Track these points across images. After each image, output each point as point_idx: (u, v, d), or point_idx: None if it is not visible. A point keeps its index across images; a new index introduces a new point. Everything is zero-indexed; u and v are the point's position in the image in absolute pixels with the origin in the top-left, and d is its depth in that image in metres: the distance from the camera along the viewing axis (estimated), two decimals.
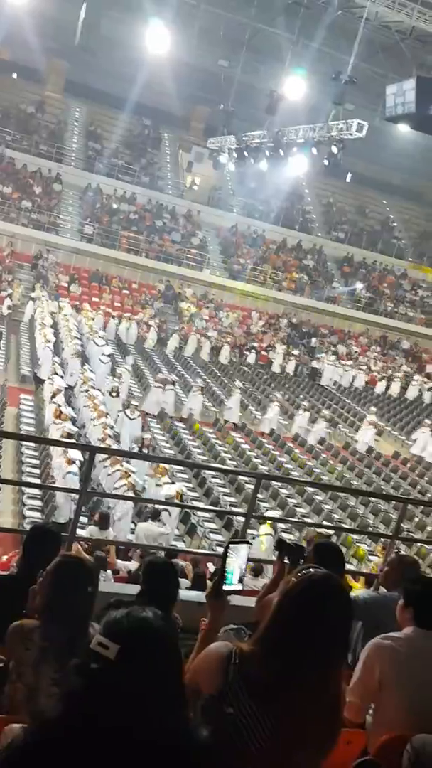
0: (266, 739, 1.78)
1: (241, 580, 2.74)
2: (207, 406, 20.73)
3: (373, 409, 23.86)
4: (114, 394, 17.27)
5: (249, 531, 5.19)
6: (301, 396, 24.72)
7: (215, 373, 25.12)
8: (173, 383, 20.08)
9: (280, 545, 3.68)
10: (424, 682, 2.78)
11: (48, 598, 2.66)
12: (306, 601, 1.82)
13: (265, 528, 10.79)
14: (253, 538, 10.00)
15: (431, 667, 2.82)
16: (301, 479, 15.60)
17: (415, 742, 2.59)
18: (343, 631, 1.85)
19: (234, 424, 19.88)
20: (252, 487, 13.28)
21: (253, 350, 28.40)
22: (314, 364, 28.89)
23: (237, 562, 2.69)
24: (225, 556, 2.65)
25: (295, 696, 1.77)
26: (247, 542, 2.82)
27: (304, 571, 1.88)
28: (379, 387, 28.43)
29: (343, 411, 24.42)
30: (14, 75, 32.65)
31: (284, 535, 11.25)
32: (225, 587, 2.64)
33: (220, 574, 2.63)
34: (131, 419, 16.09)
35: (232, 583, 2.68)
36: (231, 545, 2.67)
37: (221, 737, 1.76)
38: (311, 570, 1.89)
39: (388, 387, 28.56)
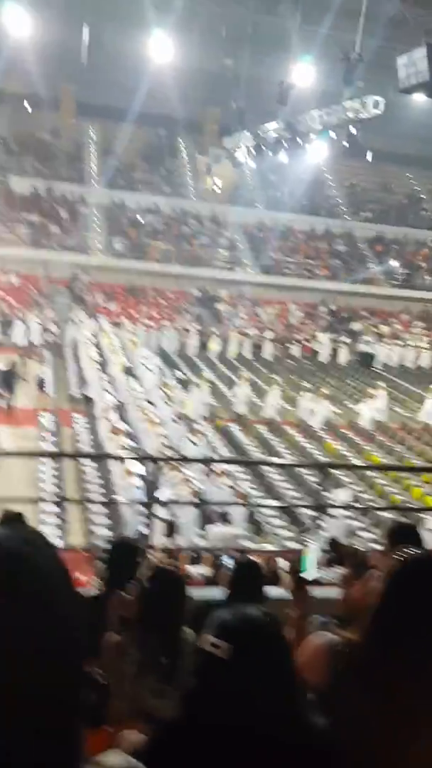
0: (383, 731, 1.74)
1: (316, 568, 2.75)
2: (254, 402, 20.70)
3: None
4: (179, 421, 16.55)
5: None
6: (349, 381, 24.40)
7: (260, 369, 25.04)
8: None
9: (332, 545, 3.67)
10: None
11: (143, 609, 2.69)
12: (414, 582, 1.78)
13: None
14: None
15: None
16: (363, 464, 15.44)
17: None
18: None
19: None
20: (315, 479, 13.23)
21: (296, 342, 28.25)
22: (364, 348, 28.49)
23: (313, 551, 2.71)
24: (302, 548, 2.66)
25: (413, 683, 1.74)
26: (319, 530, 2.82)
27: (403, 553, 1.84)
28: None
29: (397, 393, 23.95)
30: (27, 106, 33.26)
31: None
32: (303, 575, 2.65)
33: (299, 566, 2.64)
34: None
35: (307, 571, 2.69)
36: (303, 535, 2.68)
37: (336, 731, 1.75)
38: (411, 551, 1.85)
39: None
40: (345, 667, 1.80)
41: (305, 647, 1.91)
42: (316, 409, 19.65)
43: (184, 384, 21.05)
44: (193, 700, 1.37)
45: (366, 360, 27.88)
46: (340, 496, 12.58)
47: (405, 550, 1.83)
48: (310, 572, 2.73)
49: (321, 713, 1.83)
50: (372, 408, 19.82)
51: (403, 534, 3.46)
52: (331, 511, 10.66)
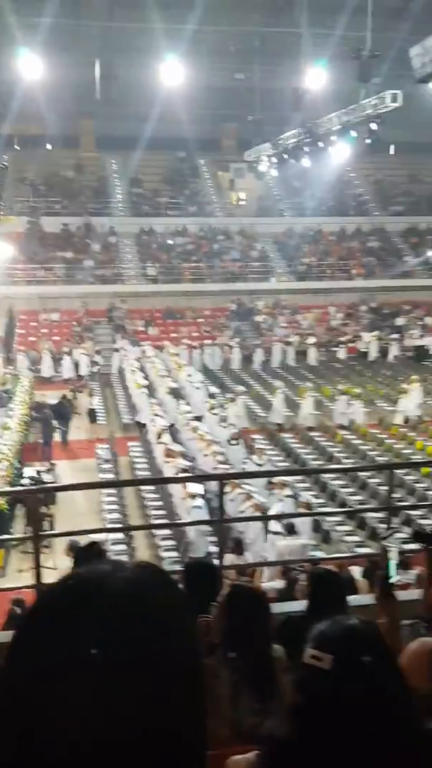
0: None
1: (396, 572, 2.70)
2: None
3: None
4: (234, 442, 16.16)
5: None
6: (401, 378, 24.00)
7: (306, 376, 24.90)
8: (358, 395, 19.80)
9: (417, 537, 3.56)
10: None
11: (225, 630, 2.66)
12: None
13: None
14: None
15: None
16: (425, 460, 15.13)
17: None
18: None
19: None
20: (377, 480, 13.03)
21: (341, 345, 28.04)
22: (417, 342, 28.07)
23: (393, 555, 2.66)
24: (386, 554, 2.60)
25: None
26: (393, 533, 2.77)
27: None
28: None
29: None
30: (48, 146, 34.10)
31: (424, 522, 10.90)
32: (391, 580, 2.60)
33: (385, 574, 2.59)
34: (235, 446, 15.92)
35: (392, 576, 2.65)
36: (384, 541, 2.63)
37: None
38: None
39: None
40: None
41: (407, 653, 1.86)
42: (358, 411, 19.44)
43: (231, 399, 21.09)
44: (301, 714, 1.34)
45: (421, 354, 27.45)
46: None
47: None
48: (394, 577, 2.68)
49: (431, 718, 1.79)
50: (408, 403, 19.44)
51: (425, 536, 3.33)
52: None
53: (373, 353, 27.74)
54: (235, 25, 25.22)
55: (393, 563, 2.66)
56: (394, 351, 27.70)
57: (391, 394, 22.03)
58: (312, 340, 28.17)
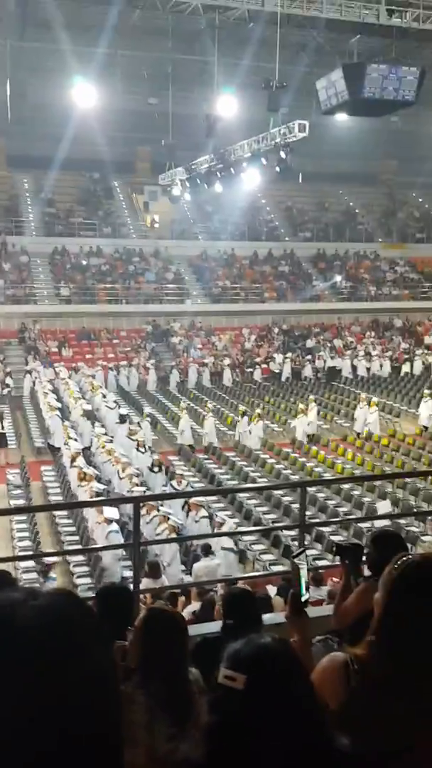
0: (404, 740, 1.74)
1: (307, 588, 2.76)
2: (222, 430, 20.81)
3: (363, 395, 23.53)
4: (142, 449, 16.65)
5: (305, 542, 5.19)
6: (309, 396, 24.64)
7: (223, 397, 25.16)
8: (259, 416, 19.88)
9: (339, 550, 3.67)
10: None
11: (142, 654, 2.64)
12: (415, 586, 1.80)
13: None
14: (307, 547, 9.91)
15: None
16: (339, 477, 15.54)
17: None
18: None
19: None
20: (290, 498, 13.27)
21: (255, 366, 28.55)
22: (329, 362, 28.94)
23: (304, 573, 2.71)
24: (297, 571, 2.65)
25: (427, 686, 1.75)
26: (304, 550, 2.83)
27: (401, 560, 1.86)
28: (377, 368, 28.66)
29: (346, 398, 24.27)
30: None
31: (336, 538, 11.18)
32: (303, 597, 2.65)
33: (296, 591, 2.64)
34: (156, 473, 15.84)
35: (304, 594, 2.69)
36: (295, 559, 2.68)
37: (362, 750, 1.74)
38: (408, 556, 1.87)
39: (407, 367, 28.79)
40: (360, 684, 1.80)
41: (318, 670, 1.90)
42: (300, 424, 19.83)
43: (152, 422, 21.03)
44: (214, 736, 1.35)
45: (332, 374, 28.30)
46: (382, 509, 12.78)
47: (403, 556, 1.86)
48: (306, 594, 2.74)
49: (343, 733, 1.83)
50: (304, 422, 19.98)
51: (387, 539, 3.46)
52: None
53: (286, 374, 28.40)
54: (148, 51, 25.53)
55: (304, 581, 2.72)
56: (306, 372, 28.44)
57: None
58: (227, 361, 28.52)
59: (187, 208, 34.26)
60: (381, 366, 28.96)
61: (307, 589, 2.78)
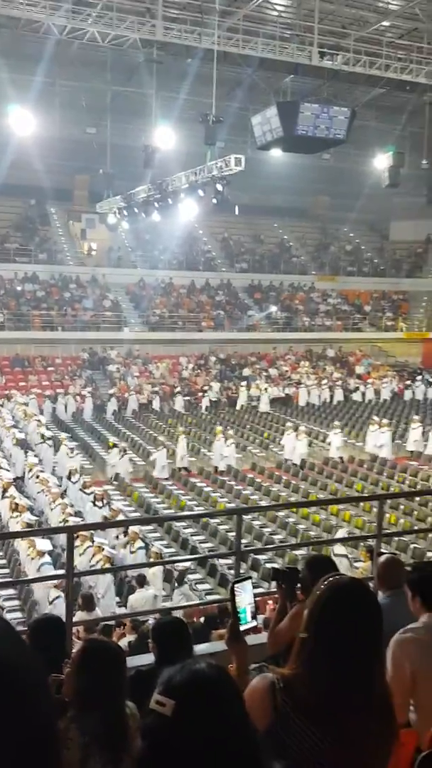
0: (331, 758, 1.77)
1: (254, 616, 2.77)
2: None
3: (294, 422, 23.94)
4: (99, 504, 15.34)
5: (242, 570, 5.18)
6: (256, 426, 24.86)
7: (160, 426, 25.06)
8: (124, 450, 19.74)
9: (276, 574, 3.72)
10: None
11: (79, 687, 2.58)
12: (337, 608, 1.84)
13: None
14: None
15: None
16: (275, 504, 15.67)
17: None
18: (377, 629, 1.87)
19: (185, 469, 19.85)
20: (226, 527, 13.28)
21: (188, 394, 28.56)
22: (278, 392, 29.21)
23: (246, 599, 2.72)
24: (233, 597, 2.66)
25: (349, 703, 1.79)
26: (249, 577, 2.85)
27: (327, 581, 1.91)
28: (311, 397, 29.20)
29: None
30: None
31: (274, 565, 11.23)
32: (241, 627, 2.66)
33: (234, 616, 2.65)
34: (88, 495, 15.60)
35: (247, 622, 2.70)
36: (236, 585, 2.70)
37: None
38: (334, 578, 1.93)
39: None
40: (286, 704, 1.82)
41: (248, 692, 1.92)
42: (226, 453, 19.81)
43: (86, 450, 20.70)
44: (144, 761, 1.34)
45: (286, 402, 28.65)
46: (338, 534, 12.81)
47: (329, 578, 1.92)
48: (248, 619, 2.75)
49: (276, 755, 1.85)
50: (222, 451, 19.94)
51: (320, 564, 3.53)
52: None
53: (222, 401, 28.56)
54: (87, 82, 25.71)
55: (249, 608, 2.73)
56: (242, 400, 28.64)
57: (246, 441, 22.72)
58: (162, 389, 28.46)
59: (124, 237, 34.37)
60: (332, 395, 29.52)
61: (254, 617, 2.78)
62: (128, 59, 23.38)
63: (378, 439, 21.66)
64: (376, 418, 23.47)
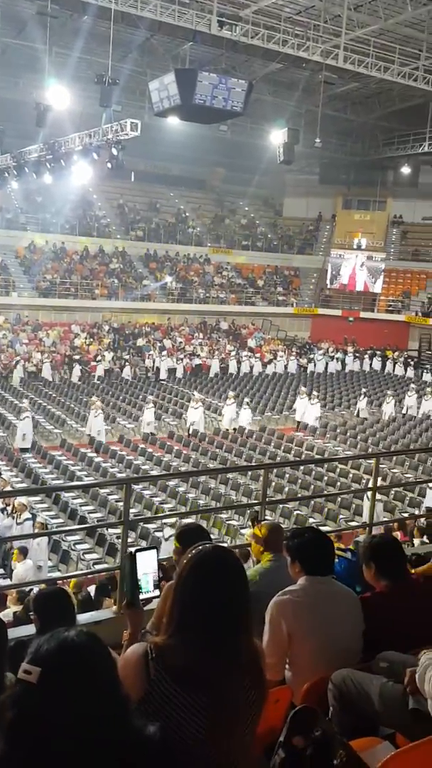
0: (205, 722, 1.81)
1: (157, 586, 2.79)
2: (47, 429, 20.34)
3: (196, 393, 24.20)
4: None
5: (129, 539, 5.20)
6: (141, 396, 24.77)
7: (47, 393, 24.47)
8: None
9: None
10: (327, 623, 3.00)
11: None
12: (200, 575, 1.89)
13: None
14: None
15: (331, 608, 3.06)
16: (164, 474, 15.76)
17: (335, 679, 2.81)
18: (240, 595, 1.92)
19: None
20: (116, 497, 13.25)
21: (78, 363, 28.05)
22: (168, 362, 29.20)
23: (148, 568, 2.72)
24: (133, 566, 2.66)
25: (218, 668, 1.84)
26: (154, 548, 2.85)
27: (193, 550, 1.96)
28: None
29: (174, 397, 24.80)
30: None
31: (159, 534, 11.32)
32: (142, 595, 2.67)
33: (133, 584, 2.65)
34: None
35: (148, 591, 2.71)
36: (138, 553, 2.70)
37: (167, 733, 1.79)
38: (199, 546, 1.98)
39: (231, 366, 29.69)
40: (159, 672, 1.86)
41: (120, 662, 1.93)
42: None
43: None
44: (11, 731, 1.32)
45: (197, 370, 28.76)
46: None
47: (197, 546, 1.97)
48: (150, 588, 2.76)
49: (149, 719, 1.88)
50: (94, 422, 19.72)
51: (191, 533, 3.58)
52: None
53: (115, 372, 28.29)
54: None
55: (151, 576, 2.73)
56: (127, 371, 28.42)
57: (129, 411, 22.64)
58: (53, 357, 27.77)
59: (14, 197, 32.90)
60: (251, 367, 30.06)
61: (157, 587, 2.78)
62: (19, 10, 22.15)
63: (308, 409, 22.59)
64: (303, 388, 24.45)
